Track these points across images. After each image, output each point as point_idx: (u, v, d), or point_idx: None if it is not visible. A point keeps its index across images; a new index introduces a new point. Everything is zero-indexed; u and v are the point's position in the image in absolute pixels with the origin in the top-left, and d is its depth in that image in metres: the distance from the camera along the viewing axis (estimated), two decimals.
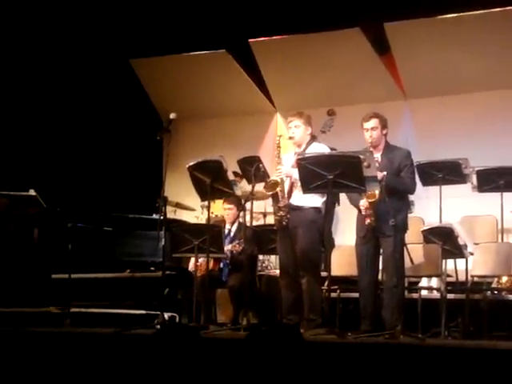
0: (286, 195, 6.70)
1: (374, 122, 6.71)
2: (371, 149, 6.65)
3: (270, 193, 6.77)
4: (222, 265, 8.10)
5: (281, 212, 6.67)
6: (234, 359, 5.31)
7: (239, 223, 8.04)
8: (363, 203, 6.54)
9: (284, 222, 6.69)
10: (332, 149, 7.26)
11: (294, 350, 3.90)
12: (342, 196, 7.27)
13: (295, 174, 6.52)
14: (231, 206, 8.17)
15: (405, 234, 6.67)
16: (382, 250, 6.65)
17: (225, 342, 6.07)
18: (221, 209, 8.59)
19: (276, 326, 4.11)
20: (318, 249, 6.79)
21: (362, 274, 6.68)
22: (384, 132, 6.75)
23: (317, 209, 6.72)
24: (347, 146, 7.58)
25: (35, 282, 8.28)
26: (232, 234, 8.09)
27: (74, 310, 7.73)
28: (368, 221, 6.51)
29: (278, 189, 6.68)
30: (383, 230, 6.52)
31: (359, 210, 6.64)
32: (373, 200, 6.44)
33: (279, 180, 6.70)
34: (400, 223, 6.53)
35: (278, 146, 6.84)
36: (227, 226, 8.15)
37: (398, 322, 6.36)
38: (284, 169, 6.72)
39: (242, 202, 7.73)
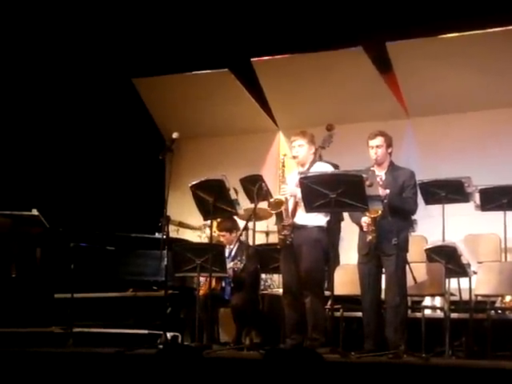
0: (290, 214, 6.70)
1: (379, 140, 6.72)
2: (375, 166, 6.67)
3: (275, 211, 6.76)
4: (224, 284, 8.08)
5: (285, 231, 6.66)
6: (237, 379, 5.29)
7: (240, 242, 8.04)
8: (365, 219, 6.53)
9: (288, 241, 6.68)
10: (335, 165, 7.28)
11: (316, 372, 3.88)
12: (345, 213, 7.26)
13: (299, 193, 6.52)
14: (223, 233, 8.28)
15: (407, 253, 6.65)
16: (384, 269, 6.64)
17: (228, 362, 6.05)
18: None
19: (296, 349, 4.08)
20: (322, 268, 6.78)
21: (365, 294, 6.66)
22: (389, 151, 6.76)
23: (321, 228, 6.71)
24: (350, 164, 7.58)
25: (38, 301, 8.27)
26: (233, 253, 8.08)
27: (77, 330, 7.71)
28: (369, 237, 6.49)
29: (283, 207, 6.68)
30: (385, 248, 6.51)
31: (361, 228, 6.64)
32: (375, 216, 6.43)
33: (284, 199, 6.70)
34: (402, 242, 6.53)
35: (283, 165, 6.85)
36: (229, 246, 8.14)
37: (401, 342, 6.34)
38: (288, 188, 6.72)
39: (238, 222, 7.76)
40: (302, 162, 6.85)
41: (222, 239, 8.29)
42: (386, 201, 6.38)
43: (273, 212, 6.80)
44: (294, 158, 6.86)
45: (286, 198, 6.70)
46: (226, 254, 7.96)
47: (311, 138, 6.87)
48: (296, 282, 6.72)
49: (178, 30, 10.03)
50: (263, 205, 7.56)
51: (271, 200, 6.81)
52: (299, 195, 6.53)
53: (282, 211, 6.67)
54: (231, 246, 8.12)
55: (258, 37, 9.95)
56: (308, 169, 6.81)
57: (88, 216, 9.88)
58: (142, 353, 6.47)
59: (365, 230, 6.55)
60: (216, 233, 8.24)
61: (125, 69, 10.50)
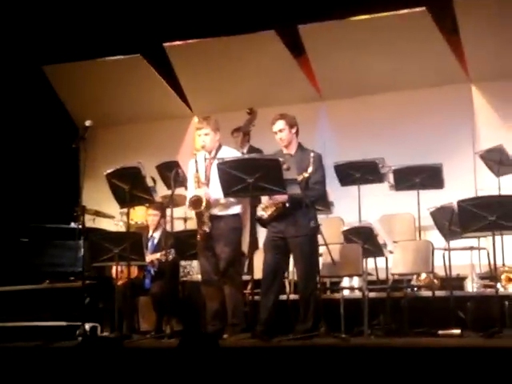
0: (206, 208, 6.70)
1: (280, 124, 6.73)
2: (284, 149, 6.70)
3: (196, 211, 6.72)
4: (145, 272, 7.99)
5: (204, 226, 6.65)
6: (158, 368, 5.27)
7: (163, 229, 7.96)
8: (262, 214, 6.59)
9: (207, 232, 6.68)
10: (259, 150, 7.29)
11: (212, 358, 3.88)
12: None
13: (213, 194, 6.60)
14: (156, 213, 8.07)
15: (318, 234, 6.66)
16: (292, 255, 6.67)
17: (148, 351, 6.02)
18: (140, 216, 8.50)
19: (195, 335, 4.08)
20: (240, 255, 6.80)
21: (267, 289, 6.61)
22: (293, 131, 6.75)
23: (236, 216, 6.72)
24: (264, 149, 7.61)
25: None
26: (156, 240, 8.00)
27: None
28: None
29: (203, 205, 6.64)
30: (291, 232, 6.53)
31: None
32: (272, 210, 6.52)
33: (201, 197, 6.66)
34: (314, 225, 6.55)
35: (197, 170, 6.78)
36: (150, 233, 8.05)
37: (321, 324, 6.40)
38: (203, 192, 6.68)
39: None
40: (209, 150, 6.83)
41: (151, 219, 8.08)
42: (302, 184, 6.40)
43: (195, 211, 6.75)
44: (202, 147, 6.82)
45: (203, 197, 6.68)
46: (149, 242, 7.90)
47: (215, 125, 6.85)
48: (215, 271, 6.72)
49: (89, 15, 9.84)
50: (180, 191, 7.53)
51: (190, 200, 6.75)
52: (214, 197, 6.54)
53: (202, 211, 6.66)
54: (151, 233, 8.02)
55: (169, 21, 9.85)
56: (215, 154, 6.79)
57: None
58: (61, 346, 6.38)
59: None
60: (134, 221, 8.15)
61: (34, 56, 10.26)
